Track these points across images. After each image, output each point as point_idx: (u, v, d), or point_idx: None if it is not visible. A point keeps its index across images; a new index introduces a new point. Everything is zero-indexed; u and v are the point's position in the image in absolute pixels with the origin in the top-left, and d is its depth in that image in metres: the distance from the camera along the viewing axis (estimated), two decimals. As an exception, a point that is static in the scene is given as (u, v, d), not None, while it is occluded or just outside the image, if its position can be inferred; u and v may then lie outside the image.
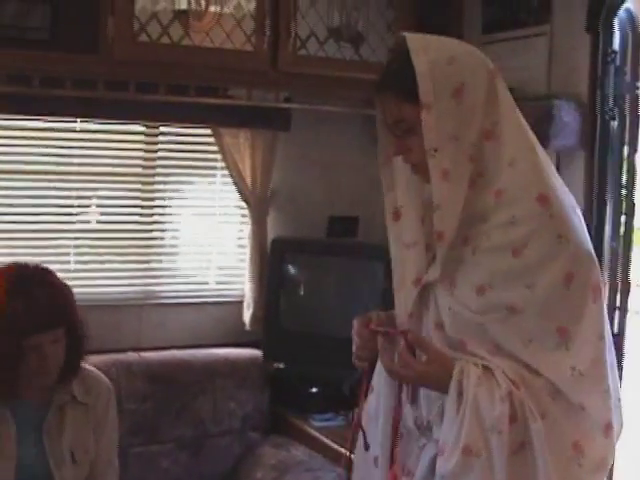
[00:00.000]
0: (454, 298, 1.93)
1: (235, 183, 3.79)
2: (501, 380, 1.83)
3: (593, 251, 1.92)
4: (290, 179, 3.95)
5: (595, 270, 1.91)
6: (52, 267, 3.54)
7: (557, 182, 1.94)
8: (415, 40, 1.92)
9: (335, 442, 3.32)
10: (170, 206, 3.88)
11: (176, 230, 3.92)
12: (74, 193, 3.66)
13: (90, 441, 2.71)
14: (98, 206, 3.79)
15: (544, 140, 2.60)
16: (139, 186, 3.79)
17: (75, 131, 3.59)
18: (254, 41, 3.36)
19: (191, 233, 3.94)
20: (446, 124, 1.88)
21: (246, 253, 3.84)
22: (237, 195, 3.83)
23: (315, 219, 3.95)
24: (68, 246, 3.69)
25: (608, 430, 1.90)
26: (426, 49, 1.90)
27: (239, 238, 3.98)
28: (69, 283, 3.52)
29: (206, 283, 3.98)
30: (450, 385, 1.86)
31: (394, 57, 1.99)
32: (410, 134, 1.92)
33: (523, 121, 1.97)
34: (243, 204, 3.83)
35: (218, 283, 3.99)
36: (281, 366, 3.69)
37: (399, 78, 1.92)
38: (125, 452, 3.10)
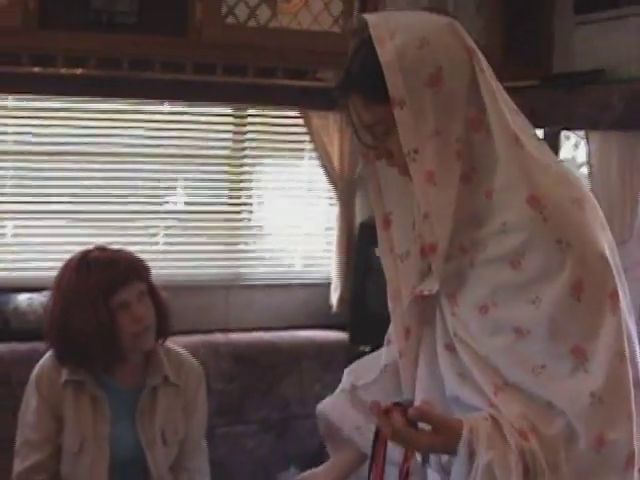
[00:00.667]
0: (456, 318, 1.70)
1: (323, 165, 3.78)
2: (510, 437, 1.57)
3: (607, 251, 1.63)
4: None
5: (610, 274, 1.61)
6: (141, 249, 3.64)
7: (550, 175, 1.66)
8: (378, 24, 1.63)
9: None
10: (258, 188, 3.89)
11: (264, 212, 3.92)
12: (162, 175, 3.70)
13: (180, 422, 2.73)
14: (186, 188, 3.82)
15: (636, 123, 2.51)
16: (227, 168, 3.81)
17: (163, 113, 3.62)
18: (342, 23, 3.34)
19: (279, 215, 3.95)
20: (425, 120, 1.61)
21: (333, 235, 3.84)
22: (325, 177, 3.82)
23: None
24: (157, 227, 3.73)
25: (629, 464, 1.61)
26: (392, 33, 1.61)
27: (327, 221, 3.99)
28: (158, 264, 3.62)
29: (293, 265, 3.99)
30: (459, 446, 1.56)
31: (356, 49, 1.68)
32: (390, 135, 1.65)
33: (504, 107, 1.66)
34: (331, 186, 3.83)
35: (305, 265, 4.00)
36: (367, 349, 3.64)
37: (364, 76, 1.65)
38: (211, 432, 3.11)
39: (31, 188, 3.51)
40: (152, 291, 2.62)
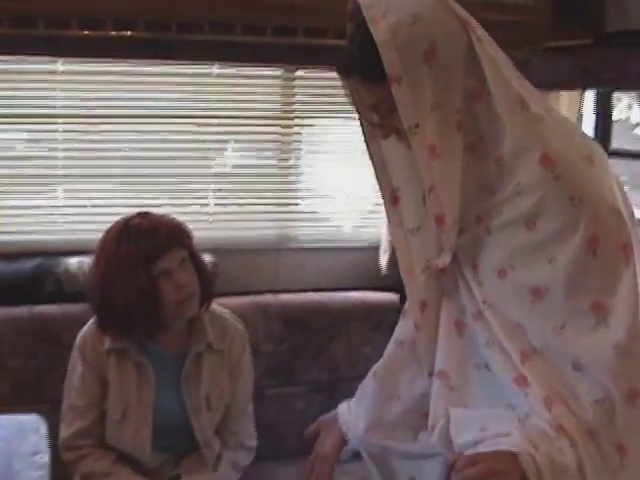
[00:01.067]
0: (483, 287, 1.75)
1: (373, 127, 3.74)
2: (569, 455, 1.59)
3: (619, 203, 1.66)
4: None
5: (623, 227, 1.64)
6: (191, 211, 3.66)
7: (559, 134, 1.69)
8: (371, 5, 1.67)
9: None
10: (307, 149, 3.87)
11: (313, 173, 3.91)
12: (212, 137, 3.69)
13: (225, 387, 2.75)
14: (235, 150, 3.82)
15: None
16: (277, 129, 3.79)
17: (212, 76, 3.61)
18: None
19: (328, 176, 3.93)
20: (423, 94, 1.65)
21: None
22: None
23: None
24: (207, 190, 3.74)
25: None
26: (384, 13, 1.65)
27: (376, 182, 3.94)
28: (208, 227, 3.63)
29: (342, 227, 3.98)
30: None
31: (353, 32, 1.74)
32: (394, 113, 1.69)
33: (507, 73, 1.69)
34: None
35: (355, 227, 3.98)
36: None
37: (362, 57, 1.70)
38: (261, 393, 3.14)
39: (81, 152, 3.53)
40: (194, 257, 2.63)
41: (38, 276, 3.26)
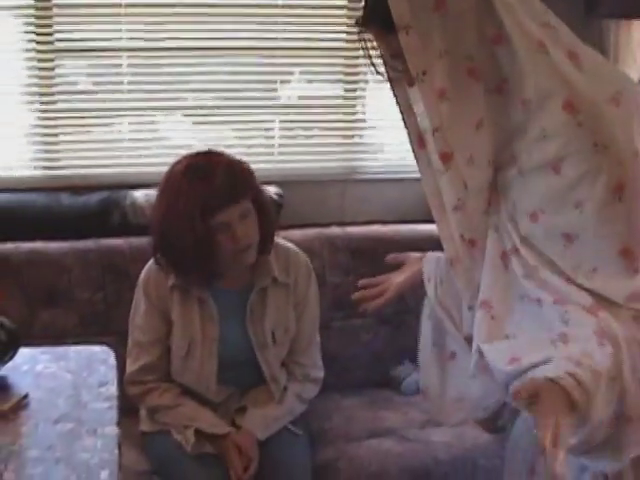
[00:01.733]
0: (518, 224, 1.78)
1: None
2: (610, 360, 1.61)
3: None
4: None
5: None
6: (257, 142, 3.64)
7: (584, 74, 1.68)
8: None
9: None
10: (373, 80, 3.81)
11: (379, 105, 3.85)
12: (277, 69, 3.67)
13: (291, 320, 2.74)
14: (301, 82, 3.79)
15: None
16: (342, 60, 3.74)
17: (278, 6, 3.57)
18: None
19: (394, 108, 3.86)
20: (432, 41, 1.69)
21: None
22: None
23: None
24: (273, 121, 3.71)
25: None
26: None
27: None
28: (274, 159, 3.61)
29: (409, 158, 3.91)
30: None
31: None
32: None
33: (525, 17, 1.68)
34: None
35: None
36: (484, 244, 3.61)
37: (378, 8, 1.73)
38: (327, 325, 3.14)
39: (146, 85, 3.53)
40: (258, 206, 2.58)
41: (105, 209, 3.28)
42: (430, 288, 2.17)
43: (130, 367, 2.69)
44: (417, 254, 2.35)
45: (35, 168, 3.47)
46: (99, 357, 2.44)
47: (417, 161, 1.99)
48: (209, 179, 2.48)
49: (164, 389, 2.68)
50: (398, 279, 2.32)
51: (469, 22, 1.68)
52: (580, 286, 1.71)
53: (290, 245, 2.82)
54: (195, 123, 3.63)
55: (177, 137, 3.56)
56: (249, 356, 2.69)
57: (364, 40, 1.85)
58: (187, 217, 2.47)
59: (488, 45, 1.69)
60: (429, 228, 3.61)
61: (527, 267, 1.77)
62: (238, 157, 2.64)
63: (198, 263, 2.53)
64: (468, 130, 1.74)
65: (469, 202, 1.84)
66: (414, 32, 1.67)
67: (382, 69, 1.89)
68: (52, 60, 3.36)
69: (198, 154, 2.59)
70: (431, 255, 2.25)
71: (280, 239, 2.79)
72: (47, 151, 3.47)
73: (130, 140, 3.57)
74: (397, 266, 2.32)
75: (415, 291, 2.28)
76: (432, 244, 3.50)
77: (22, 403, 2.13)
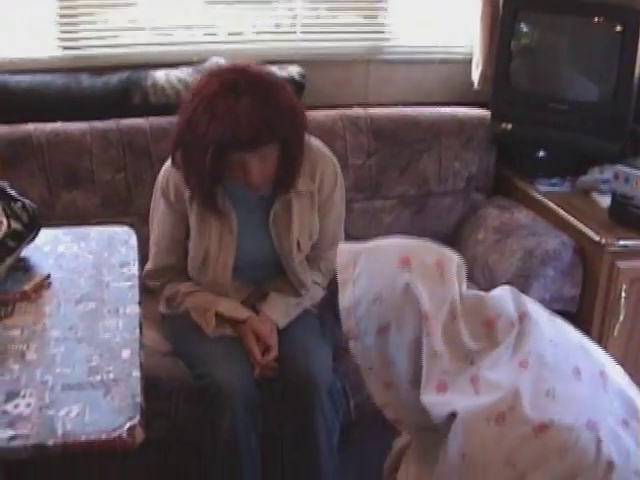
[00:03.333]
0: None
1: None
2: None
3: None
4: None
5: None
6: (281, 22, 3.57)
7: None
8: (346, 265, 1.88)
9: (561, 207, 3.25)
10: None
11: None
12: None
13: (315, 225, 2.68)
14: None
15: None
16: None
17: None
18: None
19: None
20: (369, 356, 1.85)
21: (477, 9, 3.66)
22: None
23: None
24: (296, 1, 3.63)
25: None
26: (355, 280, 1.85)
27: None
28: (297, 37, 3.54)
29: (434, 40, 3.86)
30: None
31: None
32: None
33: (446, 366, 1.80)
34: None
35: (447, 40, 3.85)
36: (509, 127, 3.56)
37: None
38: (349, 207, 3.11)
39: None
40: (286, 147, 2.46)
41: (125, 90, 3.24)
42: None
43: (149, 265, 2.68)
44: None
45: (55, 48, 3.42)
46: (121, 237, 2.46)
47: None
48: (234, 122, 2.31)
49: (182, 280, 2.69)
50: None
51: (403, 353, 1.82)
52: None
53: (319, 147, 2.70)
54: (218, 2, 3.56)
55: (199, 17, 3.49)
56: (274, 263, 2.67)
57: None
58: (204, 142, 2.34)
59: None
60: (452, 110, 3.60)
61: None
62: (281, 86, 2.47)
63: (213, 184, 2.49)
64: None
65: None
66: (360, 343, 1.86)
67: None
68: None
69: (236, 79, 2.37)
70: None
71: (312, 139, 2.65)
72: (67, 31, 3.41)
73: (151, 20, 3.49)
74: None
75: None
76: (454, 126, 3.51)
77: (44, 283, 2.15)
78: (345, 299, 1.85)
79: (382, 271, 1.85)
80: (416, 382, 1.87)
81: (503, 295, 1.89)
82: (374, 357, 1.85)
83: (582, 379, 1.80)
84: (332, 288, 2.11)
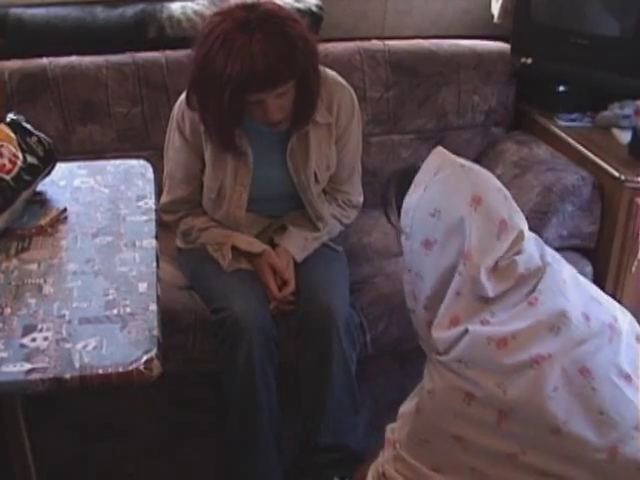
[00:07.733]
0: None
1: None
2: None
3: None
4: None
5: None
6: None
7: None
8: (427, 170, 2.04)
9: (580, 143, 3.21)
10: None
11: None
12: None
13: (332, 157, 2.67)
14: None
15: None
16: None
17: None
18: None
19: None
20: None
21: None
22: None
23: None
24: None
25: None
26: (427, 186, 1.97)
27: None
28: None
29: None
30: None
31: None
32: None
33: None
34: None
35: None
36: (529, 61, 3.51)
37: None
38: (367, 141, 3.10)
39: None
40: (303, 83, 2.43)
41: (141, 22, 3.21)
42: None
43: (164, 198, 2.67)
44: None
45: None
46: (137, 171, 2.45)
47: None
48: (250, 61, 2.27)
49: (197, 214, 2.68)
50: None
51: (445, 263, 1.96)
52: None
53: (335, 77, 2.68)
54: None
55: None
56: (288, 194, 2.66)
57: None
58: (221, 83, 2.31)
59: None
60: (471, 44, 3.55)
61: None
62: (293, 19, 2.42)
63: (231, 126, 2.47)
64: None
65: None
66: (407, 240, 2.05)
67: None
68: None
69: (248, 16, 2.34)
70: None
71: (328, 71, 2.63)
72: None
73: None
74: None
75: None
76: (474, 60, 3.47)
77: (60, 217, 2.15)
78: (412, 199, 1.97)
79: (453, 195, 1.94)
80: (429, 308, 1.92)
81: (532, 254, 1.95)
82: (414, 262, 1.98)
83: (590, 325, 1.82)
84: (393, 181, 2.24)
